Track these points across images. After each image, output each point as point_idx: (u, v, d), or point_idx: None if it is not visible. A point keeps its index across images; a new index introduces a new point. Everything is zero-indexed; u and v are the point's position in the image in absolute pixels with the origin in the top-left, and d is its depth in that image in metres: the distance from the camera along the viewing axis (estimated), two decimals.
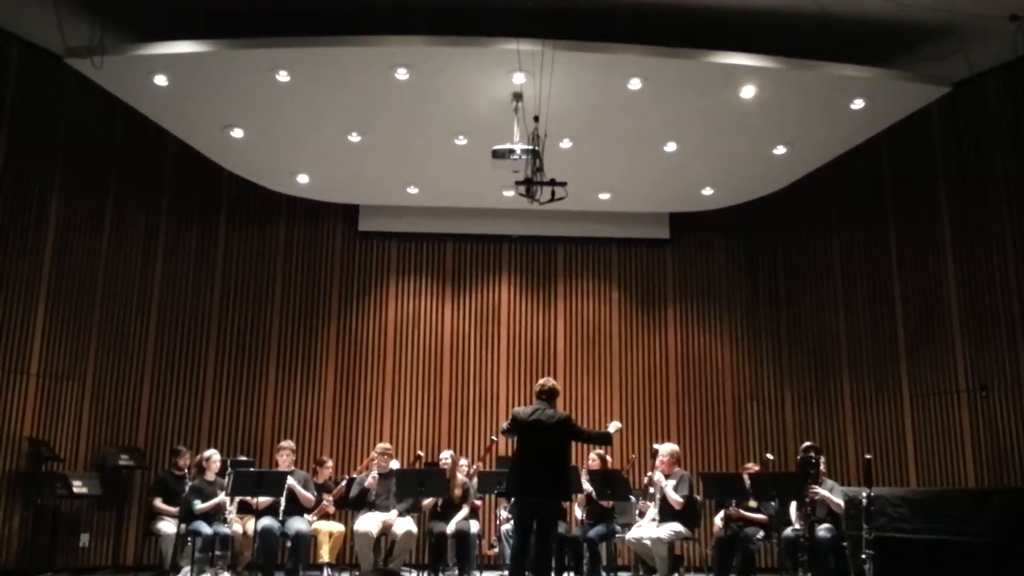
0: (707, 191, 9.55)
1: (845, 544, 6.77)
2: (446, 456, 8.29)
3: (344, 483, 8.19)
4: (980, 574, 6.68)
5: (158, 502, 7.85)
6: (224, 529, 7.35)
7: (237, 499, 7.57)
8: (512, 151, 6.95)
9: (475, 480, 8.06)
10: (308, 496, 7.76)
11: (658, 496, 7.50)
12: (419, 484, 7.47)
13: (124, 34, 7.78)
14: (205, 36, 7.31)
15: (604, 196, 9.61)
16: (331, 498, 8.10)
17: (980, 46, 7.91)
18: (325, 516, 8.16)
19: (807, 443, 7.50)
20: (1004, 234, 8.22)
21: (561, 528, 7.39)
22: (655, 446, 7.93)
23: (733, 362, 10.02)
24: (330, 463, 8.54)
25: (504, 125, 7.52)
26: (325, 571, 8.19)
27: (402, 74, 7.40)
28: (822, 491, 7.01)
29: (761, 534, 7.65)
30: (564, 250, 10.27)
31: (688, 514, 7.43)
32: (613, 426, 6.87)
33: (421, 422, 9.71)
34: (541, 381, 6.51)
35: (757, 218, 10.03)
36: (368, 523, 7.54)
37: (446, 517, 7.86)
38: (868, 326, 9.26)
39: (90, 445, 8.54)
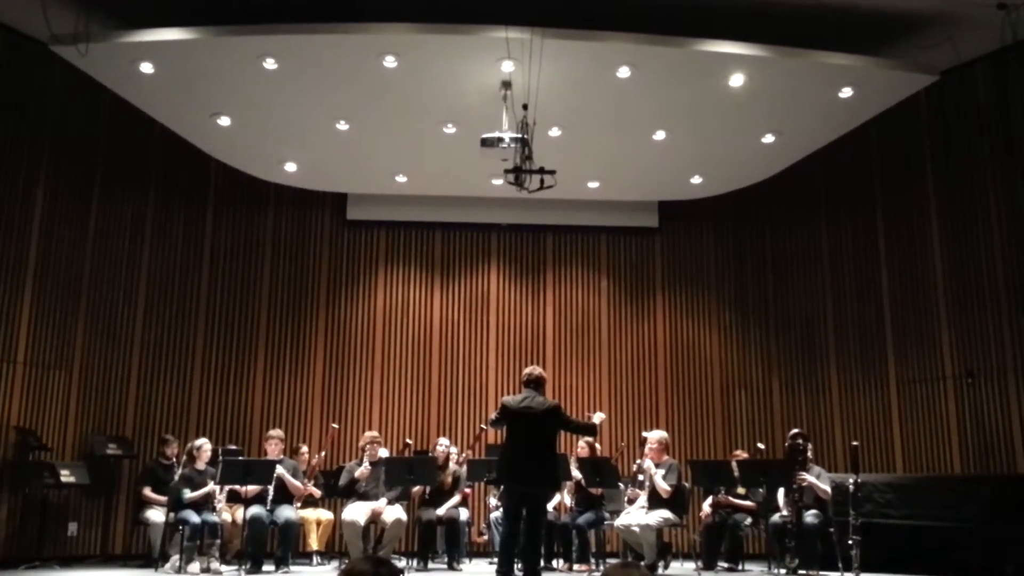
0: (696, 179, 9.55)
1: (832, 530, 6.83)
2: (445, 444, 8.35)
3: (315, 461, 8.22)
4: (965, 559, 6.77)
5: (147, 491, 7.86)
6: (212, 518, 7.34)
7: (227, 488, 7.56)
8: (501, 139, 6.93)
9: (464, 467, 8.09)
10: (297, 484, 7.74)
11: (648, 483, 7.54)
12: (408, 472, 7.48)
13: (110, 21, 7.69)
14: (192, 23, 7.25)
15: (593, 184, 9.60)
16: (307, 480, 8.06)
17: (968, 34, 7.92)
18: (310, 501, 8.16)
19: (795, 430, 7.56)
20: (991, 222, 8.27)
21: (551, 515, 7.43)
22: (644, 433, 7.96)
23: (721, 350, 10.05)
24: (305, 449, 8.48)
25: (493, 113, 7.49)
26: (314, 559, 8.21)
27: (390, 62, 7.37)
28: (809, 477, 7.06)
29: (749, 520, 7.72)
30: (553, 239, 10.25)
31: (677, 501, 7.47)
32: (597, 417, 6.94)
33: (410, 410, 9.70)
34: (528, 369, 6.51)
35: (746, 206, 10.03)
36: (357, 511, 7.54)
37: (436, 505, 7.88)
38: (855, 314, 9.31)
39: (78, 434, 8.50)
